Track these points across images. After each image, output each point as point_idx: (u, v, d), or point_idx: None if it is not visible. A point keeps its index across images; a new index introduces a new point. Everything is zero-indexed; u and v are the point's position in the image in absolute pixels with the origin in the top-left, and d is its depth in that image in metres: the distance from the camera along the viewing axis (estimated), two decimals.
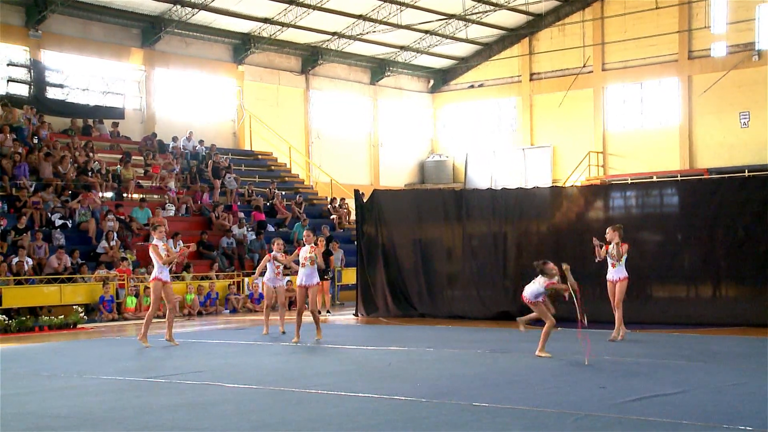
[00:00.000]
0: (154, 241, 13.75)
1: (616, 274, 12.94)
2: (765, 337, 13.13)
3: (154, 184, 25.81)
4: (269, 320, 15.47)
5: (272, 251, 15.39)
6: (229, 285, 22.28)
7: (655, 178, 27.34)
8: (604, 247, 12.96)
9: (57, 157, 23.28)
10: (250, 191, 27.77)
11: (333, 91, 35.10)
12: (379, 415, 7.48)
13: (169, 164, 26.58)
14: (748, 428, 6.58)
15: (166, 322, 13.81)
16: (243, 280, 22.74)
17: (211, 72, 30.99)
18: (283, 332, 15.18)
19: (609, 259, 12.89)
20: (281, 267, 15.38)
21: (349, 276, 23.51)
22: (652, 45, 32.69)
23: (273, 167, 31.53)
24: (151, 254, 13.54)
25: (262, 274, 15.68)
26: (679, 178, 26.05)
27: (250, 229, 25.24)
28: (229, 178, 27.43)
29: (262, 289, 16.51)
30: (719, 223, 15.87)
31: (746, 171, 27.30)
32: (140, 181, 25.52)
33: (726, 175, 24.93)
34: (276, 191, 28.42)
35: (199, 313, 21.02)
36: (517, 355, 11.56)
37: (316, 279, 13.76)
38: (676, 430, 6.63)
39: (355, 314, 19.34)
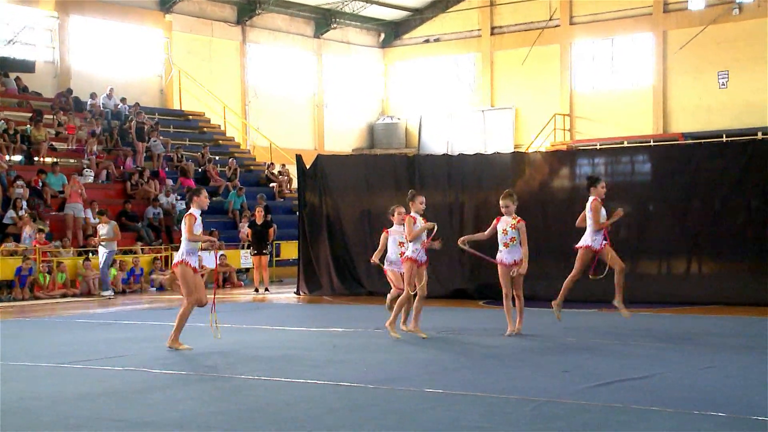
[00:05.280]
0: (193, 211, 11.09)
1: (511, 255, 11.40)
2: (742, 316, 13.46)
3: (69, 147, 25.40)
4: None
5: (393, 225, 12.25)
6: (155, 260, 22.10)
7: (625, 144, 27.68)
8: (495, 221, 11.50)
9: None
10: (179, 156, 27.49)
11: (272, 44, 34.81)
12: (322, 403, 7.52)
13: (86, 124, 26.16)
14: (721, 414, 6.74)
15: (177, 318, 10.92)
16: (171, 254, 22.57)
17: (134, 21, 30.49)
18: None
19: (502, 237, 11.39)
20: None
21: (290, 250, 23.48)
22: None
23: (205, 129, 31.25)
24: (183, 226, 11.04)
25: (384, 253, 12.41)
26: (651, 144, 26.44)
27: (179, 198, 25.01)
28: (155, 140, 27.10)
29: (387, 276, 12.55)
30: (695, 193, 16.14)
31: (724, 136, 27.79)
32: (53, 143, 25.09)
33: (702, 141, 25.40)
34: (209, 156, 28.19)
35: (122, 291, 20.85)
36: (474, 336, 11.68)
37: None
38: (644, 417, 6.77)
39: (297, 292, 19.35)
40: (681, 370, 8.76)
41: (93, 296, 19.97)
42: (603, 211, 11.79)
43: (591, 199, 11.80)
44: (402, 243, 11.84)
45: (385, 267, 12.33)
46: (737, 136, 26.20)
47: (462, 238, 11.69)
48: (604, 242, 11.78)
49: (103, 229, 19.87)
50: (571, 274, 12.01)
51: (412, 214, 11.52)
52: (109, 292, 19.95)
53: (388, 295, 12.39)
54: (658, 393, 7.62)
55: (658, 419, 6.68)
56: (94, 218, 22.05)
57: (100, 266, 19.90)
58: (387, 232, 12.33)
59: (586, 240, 11.84)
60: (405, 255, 11.54)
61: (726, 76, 31.63)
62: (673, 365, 9.07)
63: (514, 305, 11.58)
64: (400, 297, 11.59)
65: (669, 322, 13.10)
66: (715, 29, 31.40)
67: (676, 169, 16.47)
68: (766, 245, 15.44)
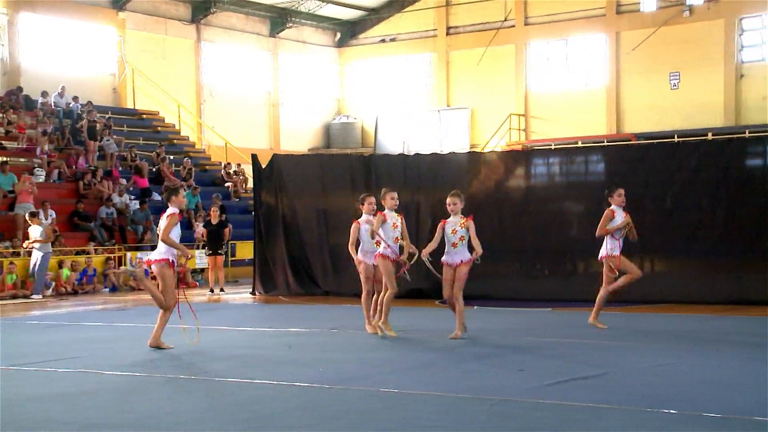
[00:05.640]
0: (173, 209, 10.84)
1: (458, 255, 11.20)
2: (693, 315, 13.65)
3: (19, 146, 25.03)
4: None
5: (364, 215, 11.96)
6: (108, 260, 21.87)
7: (580, 144, 27.94)
8: (442, 223, 11.26)
9: None
10: (133, 155, 27.23)
11: (228, 43, 34.60)
12: (277, 404, 7.49)
13: (38, 123, 25.81)
14: (672, 411, 6.83)
15: (159, 321, 10.77)
16: (125, 254, 22.36)
17: (86, 18, 30.13)
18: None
19: (451, 237, 11.19)
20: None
21: (245, 250, 23.36)
22: None
23: (160, 128, 30.98)
24: (161, 224, 10.79)
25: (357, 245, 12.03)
26: (605, 144, 26.72)
27: (132, 198, 24.79)
28: (108, 139, 26.83)
29: (359, 267, 12.13)
30: (647, 193, 16.31)
31: (675, 136, 28.15)
32: (3, 142, 24.71)
33: (654, 141, 25.71)
34: (164, 155, 27.94)
35: (75, 292, 20.60)
36: (429, 336, 11.71)
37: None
38: (596, 414, 6.84)
39: (252, 293, 19.27)
40: (634, 368, 8.86)
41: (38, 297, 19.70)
42: (616, 219, 11.84)
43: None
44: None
45: (359, 258, 11.92)
46: (688, 137, 26.56)
47: (425, 252, 11.27)
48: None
49: (36, 231, 19.52)
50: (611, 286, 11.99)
51: (385, 211, 11.47)
52: (48, 292, 19.70)
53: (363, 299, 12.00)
54: (612, 391, 7.70)
55: (611, 417, 6.75)
56: (45, 218, 21.75)
57: (36, 270, 19.50)
58: (357, 222, 12.00)
59: (603, 250, 11.91)
60: (377, 252, 11.46)
61: (677, 77, 32.06)
62: (626, 363, 9.17)
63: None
64: (387, 295, 11.42)
65: (622, 320, 13.24)
66: (666, 31, 31.80)
67: (630, 169, 16.64)
68: (716, 244, 15.67)
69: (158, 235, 11.01)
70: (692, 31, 31.56)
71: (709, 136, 25.91)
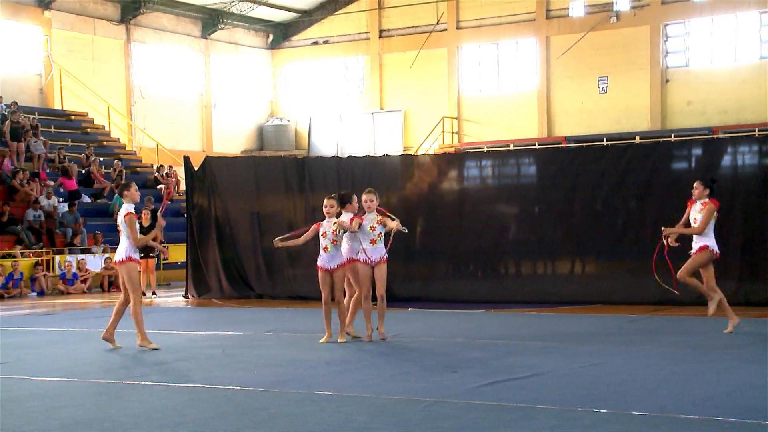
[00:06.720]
0: (128, 207, 10.93)
1: (376, 253, 11.05)
2: (622, 315, 13.87)
3: None
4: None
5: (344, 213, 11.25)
6: (36, 264, 21.43)
7: (512, 147, 28.23)
8: (360, 219, 10.99)
9: None
10: (61, 156, 26.72)
11: (159, 44, 34.18)
12: (211, 407, 7.42)
13: None
14: (602, 410, 6.93)
15: (134, 319, 10.94)
16: (53, 258, 21.95)
17: (10, 17, 29.46)
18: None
19: (369, 234, 11.01)
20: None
21: (178, 253, 23.10)
22: (509, 2, 33.66)
23: (89, 130, 30.44)
24: (125, 225, 10.81)
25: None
26: (536, 147, 27.06)
27: (61, 200, 24.33)
28: (36, 141, 26.28)
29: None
30: (577, 195, 16.55)
31: (605, 140, 28.65)
32: None
33: (584, 144, 26.11)
34: (93, 157, 27.47)
35: (1, 296, 20.15)
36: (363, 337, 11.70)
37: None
38: (530, 414, 6.91)
39: (185, 296, 19.07)
40: (566, 368, 8.97)
41: None
42: (689, 214, 11.36)
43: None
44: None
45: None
46: (617, 140, 27.06)
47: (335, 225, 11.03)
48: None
49: None
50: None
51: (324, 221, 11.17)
52: None
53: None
54: (544, 391, 7.79)
55: (543, 416, 6.83)
56: None
57: None
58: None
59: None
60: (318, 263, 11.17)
61: (605, 81, 32.61)
62: (558, 364, 9.27)
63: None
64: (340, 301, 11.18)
65: (554, 321, 13.41)
66: (594, 36, 32.34)
67: (560, 172, 16.86)
68: (644, 245, 15.94)
69: (129, 236, 10.90)
70: (619, 36, 32.14)
71: (637, 140, 26.42)
